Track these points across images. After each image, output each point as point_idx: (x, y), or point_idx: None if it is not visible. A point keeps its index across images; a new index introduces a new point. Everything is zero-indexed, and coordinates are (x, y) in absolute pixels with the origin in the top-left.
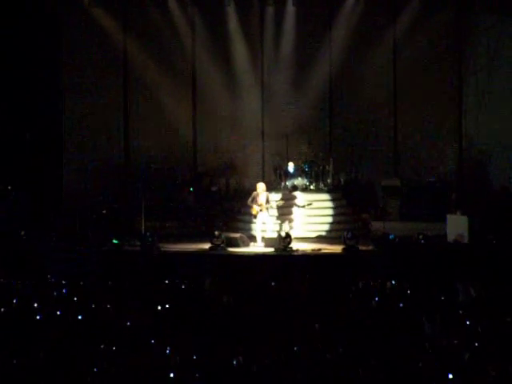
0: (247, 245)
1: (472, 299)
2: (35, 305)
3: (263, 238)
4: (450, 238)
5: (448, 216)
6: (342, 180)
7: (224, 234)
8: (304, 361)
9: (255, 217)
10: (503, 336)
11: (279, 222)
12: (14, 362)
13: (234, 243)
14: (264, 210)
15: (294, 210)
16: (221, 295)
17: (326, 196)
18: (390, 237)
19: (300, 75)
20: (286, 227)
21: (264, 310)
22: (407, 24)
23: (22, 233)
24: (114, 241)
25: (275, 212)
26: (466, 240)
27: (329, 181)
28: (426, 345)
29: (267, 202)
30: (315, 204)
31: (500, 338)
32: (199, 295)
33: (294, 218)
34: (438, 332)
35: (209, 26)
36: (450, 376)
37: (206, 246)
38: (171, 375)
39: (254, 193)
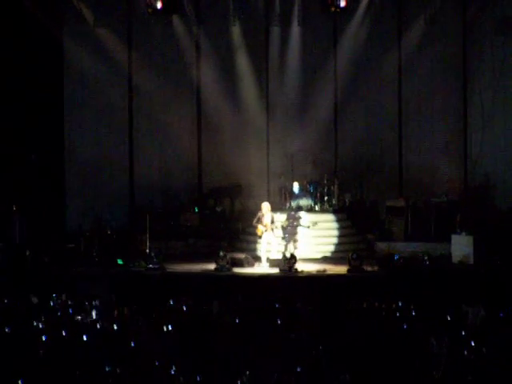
0: (252, 265)
1: (482, 320)
2: (40, 325)
3: (268, 258)
4: (455, 258)
5: (453, 236)
6: (347, 200)
7: (229, 255)
8: (308, 382)
9: (260, 237)
10: (508, 357)
11: (284, 242)
12: (19, 382)
13: (239, 264)
14: (269, 231)
15: (299, 230)
16: (225, 316)
17: (330, 216)
18: (395, 257)
19: (305, 95)
20: (290, 248)
21: (268, 330)
22: (412, 44)
23: (27, 253)
24: (119, 261)
25: (280, 233)
26: (471, 260)
27: (334, 201)
28: (431, 365)
29: (272, 222)
30: (320, 225)
31: (505, 359)
32: (204, 315)
33: (298, 239)
34: (444, 352)
35: (214, 46)
36: None
37: (211, 266)
38: None
39: (259, 213)
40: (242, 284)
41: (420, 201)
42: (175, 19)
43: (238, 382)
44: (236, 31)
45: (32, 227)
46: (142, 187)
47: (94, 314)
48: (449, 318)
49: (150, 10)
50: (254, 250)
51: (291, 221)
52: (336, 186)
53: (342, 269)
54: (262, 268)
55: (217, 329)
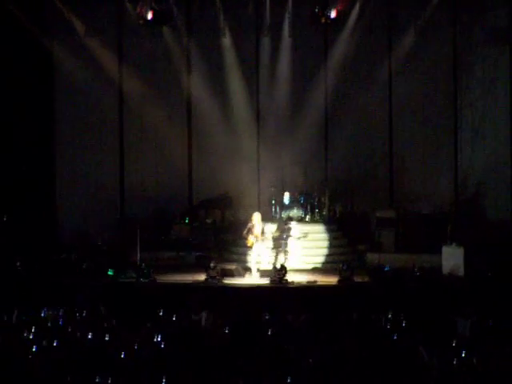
0: (242, 276)
1: (471, 331)
2: (31, 336)
3: (258, 269)
4: (446, 269)
5: (443, 248)
6: (337, 211)
7: (219, 266)
8: None
9: (250, 248)
10: (499, 367)
11: (274, 253)
12: None
13: (230, 275)
14: (259, 242)
15: (290, 241)
16: (215, 327)
17: (321, 227)
18: (386, 268)
19: (295, 106)
20: (281, 259)
21: (258, 341)
22: (403, 55)
23: (18, 264)
24: (109, 272)
25: (270, 243)
26: (461, 272)
27: (324, 212)
28: (421, 375)
29: (262, 233)
30: (310, 235)
31: (496, 370)
32: (194, 327)
33: (289, 250)
34: (434, 362)
35: (204, 57)
36: None
37: (202, 277)
38: None
39: (250, 224)
40: (232, 295)
41: (411, 212)
42: (166, 30)
43: None
44: (226, 42)
45: (23, 238)
46: (132, 199)
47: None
48: (439, 329)
49: (140, 21)
50: (245, 261)
51: (282, 232)
52: (326, 197)
53: (332, 280)
54: (252, 279)
55: (207, 340)
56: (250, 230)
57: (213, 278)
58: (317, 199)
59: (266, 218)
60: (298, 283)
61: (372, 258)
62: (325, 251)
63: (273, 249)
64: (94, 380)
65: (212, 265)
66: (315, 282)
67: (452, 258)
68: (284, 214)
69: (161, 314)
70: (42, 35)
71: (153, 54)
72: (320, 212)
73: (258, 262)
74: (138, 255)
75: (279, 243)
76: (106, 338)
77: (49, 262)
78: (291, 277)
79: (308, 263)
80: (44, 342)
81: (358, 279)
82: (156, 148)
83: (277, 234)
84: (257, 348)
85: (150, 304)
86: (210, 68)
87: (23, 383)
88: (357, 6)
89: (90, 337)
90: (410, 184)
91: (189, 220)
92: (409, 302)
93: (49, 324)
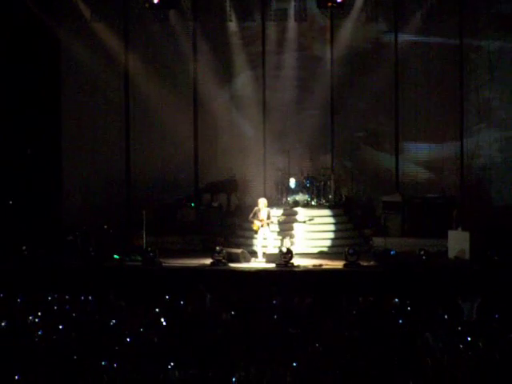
0: (248, 260)
1: (477, 315)
2: (37, 320)
3: (264, 253)
4: (452, 254)
5: (449, 232)
6: (343, 196)
7: (225, 250)
8: (303, 377)
9: (256, 232)
10: (504, 352)
11: (280, 237)
12: (16, 377)
13: (235, 259)
14: (265, 226)
15: (296, 225)
16: (221, 311)
17: (327, 212)
18: (392, 253)
19: (301, 90)
20: (287, 243)
21: (264, 326)
22: (409, 39)
23: (24, 247)
24: (115, 256)
25: (276, 228)
26: (467, 256)
27: (330, 196)
28: (428, 360)
29: (268, 217)
30: (316, 220)
31: (501, 354)
32: (199, 311)
33: (295, 234)
34: (440, 346)
35: (210, 41)
36: None
37: (208, 261)
38: None
39: (256, 208)
40: (238, 279)
41: (417, 196)
42: (172, 14)
43: (234, 376)
44: (232, 26)
45: (28, 222)
46: (138, 182)
47: None
48: (444, 313)
49: (146, 5)
50: (251, 244)
51: (288, 216)
52: (332, 182)
53: (338, 264)
54: (258, 263)
55: (212, 323)
56: (255, 215)
57: (219, 261)
58: (323, 183)
59: (271, 203)
60: (304, 267)
61: (378, 242)
62: (331, 235)
63: (279, 233)
64: (99, 364)
65: (218, 249)
66: (321, 266)
67: (458, 242)
68: (290, 199)
69: (167, 298)
70: (49, 20)
71: (159, 37)
72: (326, 196)
73: (263, 246)
74: (144, 239)
75: (285, 227)
76: (112, 322)
77: (55, 245)
78: (297, 261)
79: (314, 247)
80: (50, 326)
81: (363, 263)
82: (162, 131)
83: (283, 218)
84: (262, 332)
85: (155, 288)
86: (216, 52)
87: (29, 367)
88: None
89: (95, 321)
90: (416, 168)
91: (195, 204)
92: (415, 286)
93: (55, 308)
